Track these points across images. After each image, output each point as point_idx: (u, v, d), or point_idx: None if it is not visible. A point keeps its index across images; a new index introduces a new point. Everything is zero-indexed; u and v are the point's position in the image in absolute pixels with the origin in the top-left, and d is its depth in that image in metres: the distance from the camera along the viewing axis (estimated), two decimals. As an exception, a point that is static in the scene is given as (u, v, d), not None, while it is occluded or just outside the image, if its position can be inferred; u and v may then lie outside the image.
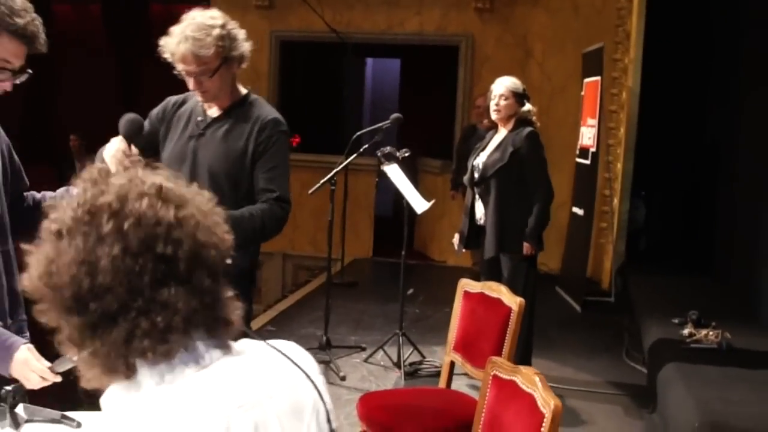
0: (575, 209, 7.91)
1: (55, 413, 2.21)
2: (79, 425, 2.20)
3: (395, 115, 5.43)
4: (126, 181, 1.20)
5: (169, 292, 1.15)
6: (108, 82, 9.58)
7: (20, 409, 2.11)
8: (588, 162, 7.55)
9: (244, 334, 1.30)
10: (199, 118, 3.10)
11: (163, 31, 3.02)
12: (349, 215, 7.92)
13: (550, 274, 8.04)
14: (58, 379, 2.17)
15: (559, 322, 6.80)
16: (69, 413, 2.21)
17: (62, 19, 11.66)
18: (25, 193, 2.55)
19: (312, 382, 1.31)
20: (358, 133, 5.58)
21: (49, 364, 2.15)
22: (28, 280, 1.19)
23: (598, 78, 7.38)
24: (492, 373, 2.38)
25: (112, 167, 2.74)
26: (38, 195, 2.58)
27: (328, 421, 1.33)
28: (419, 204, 5.26)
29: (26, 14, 2.20)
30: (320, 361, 5.11)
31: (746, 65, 7.09)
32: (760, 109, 6.45)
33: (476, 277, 4.07)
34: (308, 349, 1.44)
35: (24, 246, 1.22)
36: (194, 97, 3.13)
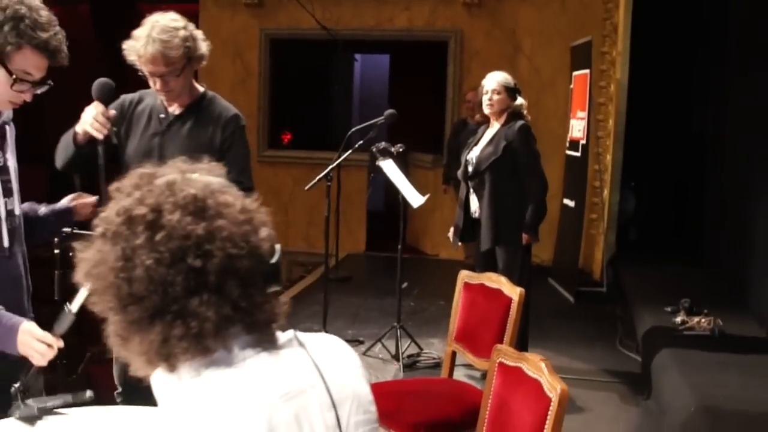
0: (566, 201, 8.00)
1: (65, 396, 2.28)
2: (91, 397, 2.28)
3: (389, 111, 5.49)
4: (166, 188, 1.26)
5: (200, 301, 1.21)
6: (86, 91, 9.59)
7: (30, 402, 2.19)
8: (578, 154, 7.63)
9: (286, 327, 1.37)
10: (162, 115, 3.21)
11: None
12: (342, 211, 7.99)
13: (542, 266, 8.12)
14: (61, 343, 2.22)
15: (552, 313, 6.88)
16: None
17: (51, 20, 11.69)
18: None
19: (321, 380, 1.34)
20: (354, 129, 5.63)
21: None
22: (78, 275, 1.26)
23: (587, 71, 7.47)
24: (498, 361, 2.45)
25: (94, 133, 2.87)
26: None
27: (365, 412, 1.39)
28: (415, 198, 5.32)
29: (51, 28, 2.25)
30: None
31: (732, 56, 7.19)
32: (745, 98, 6.55)
33: (470, 270, 4.13)
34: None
35: (76, 243, 1.29)
36: (150, 95, 3.25)
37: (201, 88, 3.28)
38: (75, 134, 3.00)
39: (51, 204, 2.78)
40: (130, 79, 3.24)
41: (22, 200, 2.60)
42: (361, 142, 5.50)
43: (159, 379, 1.30)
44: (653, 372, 4.97)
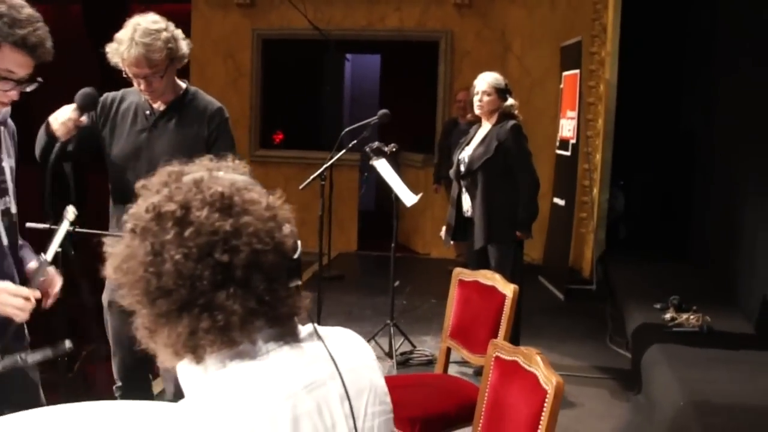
0: (556, 200, 8.07)
1: (45, 350, 2.33)
2: (70, 347, 2.34)
3: (383, 111, 5.54)
4: (193, 186, 1.31)
5: (227, 294, 1.27)
6: (89, 83, 9.61)
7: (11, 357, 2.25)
8: (568, 153, 7.71)
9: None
10: (147, 112, 3.30)
11: None
12: (334, 210, 8.04)
13: (532, 264, 8.18)
14: (38, 294, 2.30)
15: (543, 311, 6.94)
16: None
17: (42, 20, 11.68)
18: None
19: (338, 371, 1.39)
20: (347, 129, 5.68)
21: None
22: (108, 270, 1.32)
23: (577, 71, 7.54)
24: (494, 355, 2.51)
25: (58, 131, 2.96)
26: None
27: (381, 403, 1.45)
28: (408, 197, 5.38)
29: (30, 24, 2.23)
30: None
31: (719, 55, 7.27)
32: (732, 98, 6.62)
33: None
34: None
35: (105, 239, 1.34)
36: (133, 93, 3.32)
37: (183, 84, 3.37)
38: (48, 124, 3.08)
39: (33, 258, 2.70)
40: (119, 79, 3.30)
41: (20, 201, 2.63)
42: (355, 141, 5.55)
43: (185, 371, 1.36)
44: (643, 368, 5.04)
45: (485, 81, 5.16)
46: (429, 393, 3.43)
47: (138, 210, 1.32)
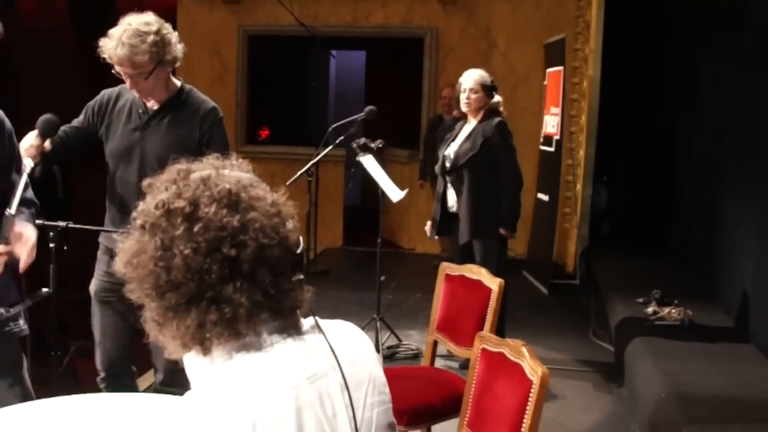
0: (540, 195, 8.15)
1: (25, 302, 2.40)
2: (48, 291, 2.42)
3: (369, 107, 5.59)
4: (201, 183, 1.36)
5: (234, 287, 1.32)
6: (74, 78, 9.60)
7: None
8: (552, 149, 7.79)
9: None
10: (141, 111, 3.34)
11: None
12: (320, 205, 8.08)
13: (517, 259, 8.25)
14: (9, 248, 2.40)
15: (527, 305, 7.02)
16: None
17: (26, 15, 11.63)
18: None
19: (338, 363, 1.44)
20: (334, 125, 5.73)
21: None
22: (119, 265, 1.37)
23: (561, 68, 7.61)
24: (481, 347, 2.57)
25: (25, 156, 3.00)
26: None
27: (380, 393, 1.51)
28: (394, 193, 5.43)
29: None
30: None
31: (700, 52, 7.36)
32: (713, 94, 6.71)
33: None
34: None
35: (115, 235, 1.39)
36: (128, 90, 3.35)
37: (178, 83, 3.40)
38: None
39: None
40: (106, 74, 3.34)
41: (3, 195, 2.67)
42: (342, 138, 5.60)
43: (192, 362, 1.41)
44: (626, 361, 5.13)
45: (472, 78, 5.21)
46: (416, 385, 3.48)
47: (147, 206, 1.37)
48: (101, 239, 3.49)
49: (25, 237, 2.55)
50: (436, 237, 5.56)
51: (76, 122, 3.48)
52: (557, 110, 7.66)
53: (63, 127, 3.43)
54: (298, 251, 1.41)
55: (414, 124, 9.76)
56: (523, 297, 7.24)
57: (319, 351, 1.42)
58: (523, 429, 2.28)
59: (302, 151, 9.12)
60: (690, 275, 6.93)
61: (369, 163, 5.50)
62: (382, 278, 5.81)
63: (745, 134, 5.55)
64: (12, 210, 2.43)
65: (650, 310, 5.66)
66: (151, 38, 3.14)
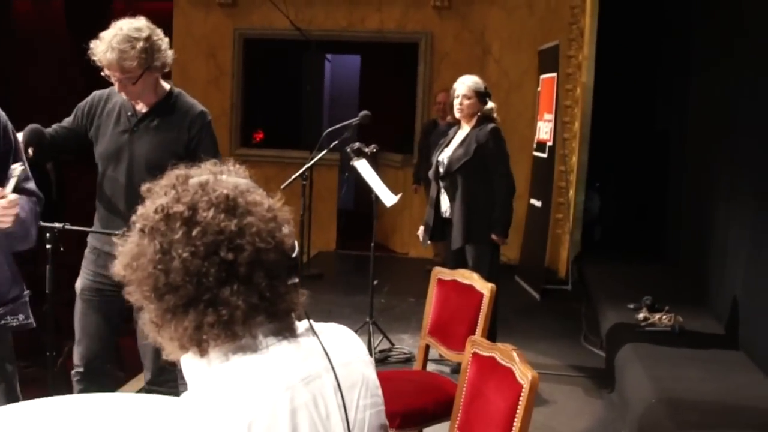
0: (533, 201, 8.18)
1: None
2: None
3: (364, 112, 5.61)
4: (199, 188, 1.39)
5: (231, 291, 1.35)
6: (70, 79, 9.61)
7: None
8: (545, 155, 7.83)
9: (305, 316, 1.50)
10: (129, 113, 3.39)
11: None
12: (314, 209, 8.10)
13: (509, 264, 8.28)
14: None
15: (519, 310, 7.05)
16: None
17: (23, 16, 11.64)
18: None
19: (331, 365, 1.47)
20: (328, 129, 5.75)
21: None
22: (118, 267, 1.40)
23: (554, 74, 7.66)
24: (472, 351, 2.60)
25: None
26: None
27: (373, 395, 1.54)
28: (388, 198, 5.45)
29: None
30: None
31: (693, 59, 7.41)
32: (705, 101, 6.76)
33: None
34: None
35: (115, 238, 1.42)
36: (119, 93, 3.39)
37: (167, 86, 3.45)
38: None
39: None
40: (101, 77, 3.37)
41: None
42: (336, 142, 5.62)
43: (189, 363, 1.43)
44: (616, 366, 5.16)
45: (465, 85, 5.24)
46: (408, 389, 3.51)
47: (147, 211, 1.39)
48: (89, 239, 3.52)
49: (9, 197, 2.55)
50: (429, 242, 5.58)
51: (66, 122, 3.53)
52: (550, 116, 7.70)
53: (54, 126, 3.48)
54: (294, 255, 1.44)
55: (408, 129, 9.79)
56: (516, 302, 7.27)
57: (313, 353, 1.45)
58: (513, 432, 2.32)
59: (297, 154, 9.15)
60: (681, 282, 6.97)
61: (363, 167, 5.52)
62: (375, 282, 5.83)
63: (737, 141, 5.60)
64: (8, 190, 2.46)
65: (641, 316, 5.70)
66: (140, 44, 3.18)
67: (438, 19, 9.47)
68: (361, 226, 7.52)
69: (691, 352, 5.09)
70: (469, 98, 5.21)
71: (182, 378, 3.47)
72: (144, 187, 1.45)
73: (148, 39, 3.21)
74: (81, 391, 3.39)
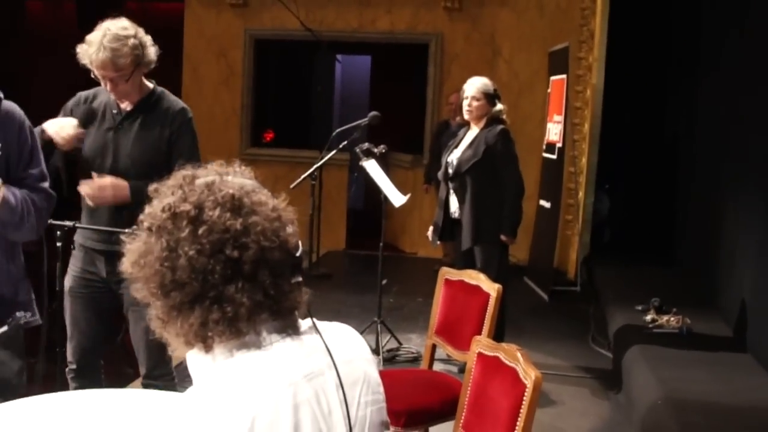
0: (542, 202, 8.19)
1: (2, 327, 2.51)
2: (23, 318, 2.56)
3: (373, 113, 5.64)
4: (206, 188, 1.42)
5: (236, 288, 1.38)
6: (81, 81, 9.66)
7: None
8: (554, 157, 7.83)
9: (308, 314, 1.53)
10: (114, 111, 3.46)
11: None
12: (323, 208, 8.13)
13: (518, 265, 8.29)
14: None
15: (528, 311, 7.06)
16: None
17: (35, 17, 11.71)
18: None
19: (333, 362, 1.50)
20: (338, 130, 5.78)
21: None
22: (126, 265, 1.43)
23: (564, 76, 7.67)
24: (477, 351, 2.62)
25: (58, 140, 3.22)
26: None
27: (374, 393, 1.56)
28: (397, 198, 5.48)
29: None
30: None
31: (703, 62, 7.41)
32: (714, 104, 6.75)
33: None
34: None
35: (123, 236, 1.45)
36: (104, 92, 3.47)
37: (150, 85, 3.52)
38: (42, 131, 3.26)
39: None
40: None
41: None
42: (346, 142, 5.64)
43: (194, 359, 1.47)
44: (624, 368, 5.17)
45: (474, 86, 5.26)
46: (414, 387, 3.54)
47: (154, 210, 1.43)
48: (76, 236, 3.56)
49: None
50: (438, 242, 5.60)
51: None
52: (560, 118, 7.70)
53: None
54: (297, 254, 1.46)
55: (418, 130, 9.82)
56: (524, 303, 7.28)
57: (316, 350, 1.48)
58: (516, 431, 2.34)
59: (307, 154, 9.17)
60: (689, 284, 6.97)
61: (372, 167, 5.55)
62: (384, 282, 5.86)
63: (747, 144, 5.59)
64: None
65: (649, 317, 5.70)
66: (131, 41, 3.26)
67: (448, 20, 9.48)
68: (370, 225, 7.54)
69: (699, 354, 5.09)
70: (478, 100, 5.23)
71: (179, 372, 3.52)
72: (152, 187, 1.47)
73: (136, 36, 3.30)
74: (76, 389, 3.43)
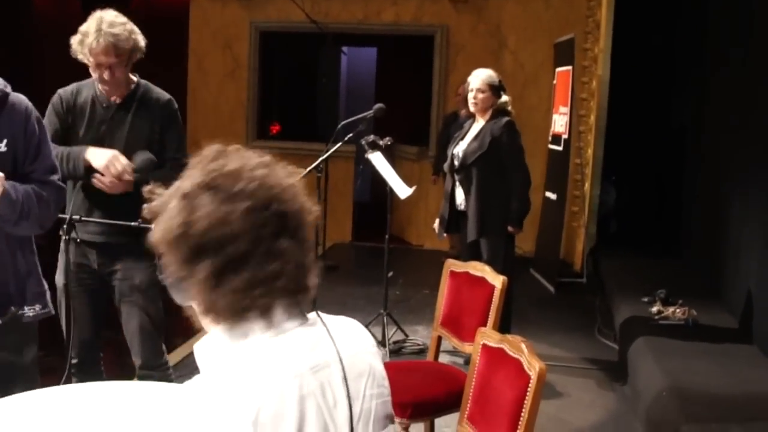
0: (548, 194, 8.19)
1: None
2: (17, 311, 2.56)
3: (378, 105, 5.63)
4: (239, 156, 1.46)
5: (284, 243, 1.41)
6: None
7: None
8: (560, 148, 7.83)
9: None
10: (105, 104, 3.47)
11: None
12: (329, 201, 8.13)
13: (524, 257, 8.30)
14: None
15: (534, 303, 7.07)
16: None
17: (41, 10, 11.72)
18: None
19: (339, 355, 1.51)
20: (344, 122, 5.77)
21: None
22: (156, 237, 1.44)
23: (570, 67, 7.65)
24: (482, 342, 2.63)
25: (104, 181, 3.27)
26: None
27: (379, 386, 1.57)
28: (402, 190, 5.48)
29: None
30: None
31: (710, 53, 7.38)
32: (722, 95, 6.74)
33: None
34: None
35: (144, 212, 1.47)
36: (87, 87, 3.49)
37: (135, 78, 3.54)
38: (85, 160, 3.30)
39: None
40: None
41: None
42: (351, 134, 5.63)
43: (204, 347, 1.48)
44: (629, 359, 5.17)
45: (479, 78, 5.25)
46: (420, 379, 3.55)
47: (187, 182, 1.44)
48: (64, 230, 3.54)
49: None
50: (445, 234, 5.61)
51: (53, 123, 3.48)
52: (566, 109, 7.70)
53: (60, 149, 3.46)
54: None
55: (424, 121, 9.82)
56: (530, 294, 7.29)
57: (322, 343, 1.49)
58: (520, 423, 2.35)
59: (313, 146, 9.16)
60: (696, 275, 6.97)
61: (377, 160, 5.55)
62: (390, 274, 5.87)
63: (754, 135, 5.58)
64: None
65: (655, 309, 5.71)
66: (129, 26, 3.30)
67: (454, 11, 9.48)
68: (376, 217, 7.55)
69: (705, 345, 5.09)
70: (483, 92, 5.22)
71: (179, 371, 3.51)
72: (194, 159, 1.48)
73: (128, 21, 3.32)
74: (78, 382, 3.44)
